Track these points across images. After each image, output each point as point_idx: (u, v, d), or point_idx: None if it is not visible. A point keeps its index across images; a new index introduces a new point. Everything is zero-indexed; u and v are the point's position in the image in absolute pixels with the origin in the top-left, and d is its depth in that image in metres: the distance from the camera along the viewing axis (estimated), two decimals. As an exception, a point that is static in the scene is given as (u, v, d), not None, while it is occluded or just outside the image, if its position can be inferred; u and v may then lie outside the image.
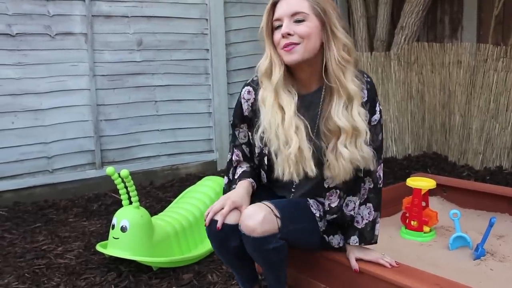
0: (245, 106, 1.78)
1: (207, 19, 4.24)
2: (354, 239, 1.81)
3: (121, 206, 2.39)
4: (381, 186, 1.82)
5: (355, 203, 1.80)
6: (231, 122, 1.90)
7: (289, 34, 1.58)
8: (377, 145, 1.76)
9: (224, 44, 4.31)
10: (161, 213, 2.74)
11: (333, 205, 1.79)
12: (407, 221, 2.51)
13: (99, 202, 3.50)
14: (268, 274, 1.80)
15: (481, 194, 2.80)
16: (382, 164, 1.81)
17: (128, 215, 2.30)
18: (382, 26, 4.67)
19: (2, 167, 3.45)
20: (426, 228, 2.46)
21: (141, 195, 3.53)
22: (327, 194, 1.79)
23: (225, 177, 1.89)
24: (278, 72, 1.62)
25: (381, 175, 1.81)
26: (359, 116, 1.62)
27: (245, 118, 1.80)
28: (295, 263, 1.97)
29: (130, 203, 2.35)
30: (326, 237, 1.83)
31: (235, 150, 1.86)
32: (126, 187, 2.32)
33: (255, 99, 1.74)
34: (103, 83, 3.80)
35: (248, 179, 1.80)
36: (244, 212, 1.64)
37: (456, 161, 4.35)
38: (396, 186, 3.04)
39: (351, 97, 1.61)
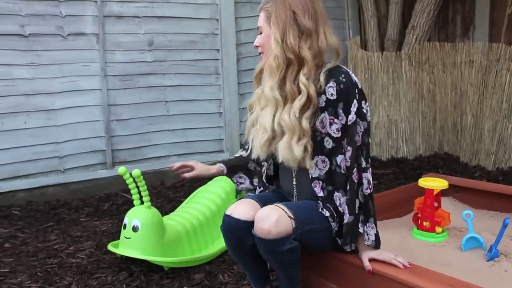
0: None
1: (217, 19, 4.25)
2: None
3: (132, 205, 2.39)
4: (368, 191, 1.78)
5: (340, 200, 1.80)
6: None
7: (256, 47, 1.84)
8: (354, 147, 1.75)
9: (235, 44, 4.31)
10: (172, 213, 2.75)
11: (319, 195, 1.81)
12: (419, 222, 2.49)
13: (110, 202, 3.52)
14: (281, 275, 1.80)
15: (494, 194, 2.77)
16: (370, 169, 1.79)
17: (140, 215, 2.30)
18: (393, 25, 4.65)
19: (15, 166, 3.48)
20: (438, 229, 2.44)
21: (152, 195, 3.54)
22: (312, 184, 1.81)
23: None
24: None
25: (370, 180, 1.79)
26: (288, 117, 1.69)
27: None
28: (307, 264, 1.96)
29: (142, 203, 2.35)
30: (339, 240, 1.83)
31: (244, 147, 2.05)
32: (137, 187, 2.33)
33: None
34: (114, 83, 3.82)
35: (220, 164, 2.04)
36: (257, 215, 1.65)
37: (468, 162, 4.32)
38: (407, 186, 3.02)
39: (284, 97, 1.72)
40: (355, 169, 1.77)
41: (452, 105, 4.57)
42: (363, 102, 1.77)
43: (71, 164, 3.70)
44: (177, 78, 4.11)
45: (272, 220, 1.62)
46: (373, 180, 3.81)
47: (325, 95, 1.73)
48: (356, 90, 1.76)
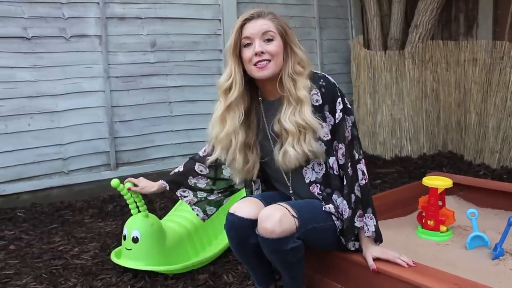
0: None
1: (220, 20, 4.25)
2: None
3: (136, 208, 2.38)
4: (364, 182, 1.83)
5: (336, 201, 1.83)
6: None
7: (262, 53, 1.73)
8: (346, 143, 1.80)
9: (237, 44, 4.30)
10: (172, 211, 2.74)
11: (320, 198, 1.84)
12: (423, 221, 2.48)
13: (114, 203, 3.52)
14: (285, 275, 1.80)
15: (498, 193, 2.76)
16: (363, 160, 1.85)
17: (139, 226, 2.27)
18: (396, 24, 4.64)
19: (19, 168, 3.49)
20: (443, 228, 2.43)
21: (156, 196, 3.55)
22: (310, 187, 1.84)
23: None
24: (237, 91, 1.78)
25: (365, 170, 1.84)
26: (310, 116, 1.72)
27: None
28: (311, 263, 1.96)
29: (139, 211, 2.33)
30: (342, 239, 1.83)
31: (208, 146, 2.14)
32: (133, 196, 2.27)
33: None
34: (117, 85, 3.83)
35: (163, 181, 2.17)
36: (261, 214, 1.66)
37: (472, 160, 4.31)
38: (411, 185, 3.02)
39: (302, 102, 1.73)
40: (349, 163, 1.79)
41: (456, 104, 4.56)
42: (344, 98, 1.83)
43: (75, 165, 3.70)
44: (180, 79, 4.11)
45: (276, 219, 1.63)
46: (377, 179, 3.85)
47: (311, 102, 1.77)
48: (337, 89, 1.82)
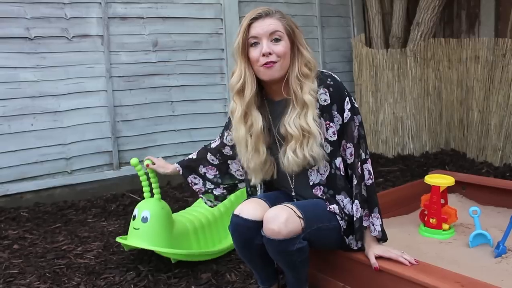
0: (230, 116, 1.92)
1: (221, 19, 4.25)
2: (353, 238, 1.84)
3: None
4: (370, 182, 1.83)
5: (343, 201, 1.82)
6: (226, 123, 2.12)
7: (269, 54, 1.70)
8: (354, 142, 1.80)
9: (239, 43, 4.31)
10: (182, 211, 2.76)
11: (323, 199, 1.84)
12: (425, 219, 2.49)
13: (117, 203, 3.53)
14: (289, 275, 1.81)
15: (501, 191, 2.76)
16: (369, 160, 1.85)
17: (150, 206, 2.31)
18: (397, 22, 4.63)
19: (22, 168, 3.50)
20: (445, 226, 2.43)
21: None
22: (313, 190, 1.84)
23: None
24: (250, 91, 1.76)
25: (371, 170, 1.84)
26: (313, 121, 1.72)
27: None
28: (314, 262, 1.97)
29: (152, 196, 2.37)
30: (346, 239, 1.83)
31: (217, 140, 2.16)
32: (149, 179, 2.33)
33: None
34: (119, 84, 3.84)
35: (177, 164, 2.21)
36: (266, 216, 1.66)
37: (475, 158, 4.30)
38: (414, 183, 3.02)
39: (307, 106, 1.73)
40: (359, 162, 1.79)
41: (458, 101, 4.55)
42: (352, 98, 1.83)
43: (78, 165, 3.72)
44: (182, 78, 4.12)
45: (282, 220, 1.63)
46: (380, 177, 3.85)
47: (318, 102, 1.76)
48: (344, 88, 1.82)
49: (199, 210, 2.69)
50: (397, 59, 4.59)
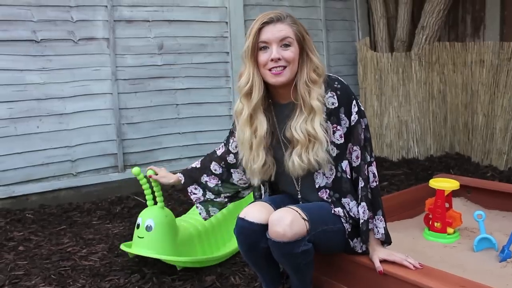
0: (235, 117, 1.94)
1: (227, 22, 4.27)
2: (358, 241, 1.84)
3: (144, 207, 2.41)
4: (375, 184, 1.85)
5: (348, 204, 1.83)
6: (231, 129, 2.11)
7: (278, 59, 1.71)
8: (361, 145, 1.82)
9: (244, 46, 4.32)
10: (185, 215, 2.76)
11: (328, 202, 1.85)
12: (430, 223, 2.48)
13: (122, 205, 3.54)
14: (294, 278, 1.81)
15: (506, 195, 2.75)
16: (374, 163, 1.87)
17: (153, 215, 2.31)
18: (402, 26, 4.63)
19: (28, 170, 3.52)
20: (449, 230, 2.43)
21: (163, 198, 3.56)
22: (319, 193, 1.85)
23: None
24: (257, 95, 1.77)
25: (376, 173, 1.87)
26: (320, 127, 1.74)
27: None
28: (318, 265, 1.97)
29: (155, 203, 2.37)
30: (351, 242, 1.84)
31: (222, 147, 2.15)
32: (151, 187, 2.33)
33: None
34: (125, 87, 3.86)
35: (180, 174, 2.18)
36: (271, 218, 1.66)
37: (480, 162, 4.29)
38: (418, 187, 3.02)
39: (314, 112, 1.74)
40: (366, 165, 1.80)
41: (463, 105, 4.55)
42: (358, 101, 1.84)
43: (83, 167, 3.73)
44: (187, 81, 4.13)
45: (287, 222, 1.63)
46: (384, 181, 3.85)
47: (326, 105, 1.77)
48: (351, 91, 1.83)
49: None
50: (402, 62, 4.59)
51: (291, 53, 1.72)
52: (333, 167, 1.82)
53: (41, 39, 3.51)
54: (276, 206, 1.78)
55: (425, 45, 4.52)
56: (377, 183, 1.85)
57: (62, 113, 3.62)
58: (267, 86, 1.82)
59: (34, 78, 3.51)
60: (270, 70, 1.73)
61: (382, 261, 1.79)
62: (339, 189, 1.83)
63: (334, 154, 1.80)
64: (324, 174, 1.82)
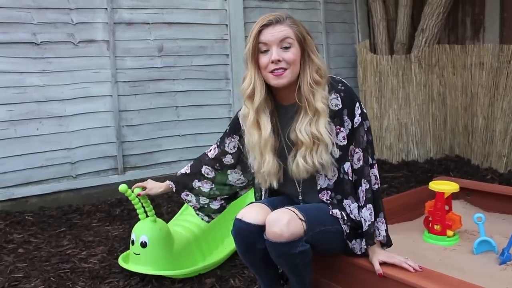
0: (242, 121, 1.93)
1: (227, 25, 4.27)
2: (357, 242, 1.84)
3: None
4: (376, 186, 1.86)
5: (349, 206, 1.83)
6: (226, 130, 2.10)
7: (278, 61, 1.70)
8: (363, 147, 1.82)
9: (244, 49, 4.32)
10: (177, 216, 2.76)
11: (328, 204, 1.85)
12: (430, 225, 2.48)
13: (121, 207, 3.54)
14: (293, 279, 1.81)
15: (506, 197, 2.76)
16: (376, 165, 1.87)
17: (147, 230, 2.27)
18: (402, 28, 4.64)
19: (28, 172, 3.52)
20: (449, 232, 2.43)
21: (163, 200, 3.57)
22: (319, 194, 1.85)
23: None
24: (259, 96, 1.76)
25: (377, 175, 1.87)
26: (324, 129, 1.73)
27: (238, 131, 2.00)
28: (317, 267, 1.97)
29: (147, 216, 2.33)
30: (349, 243, 1.83)
31: (215, 149, 2.12)
32: (140, 201, 2.27)
33: None
34: (125, 89, 3.86)
35: (170, 182, 2.17)
36: (268, 219, 1.67)
37: (480, 164, 4.29)
38: (418, 189, 3.02)
39: (318, 113, 1.73)
40: (368, 167, 1.80)
41: (462, 108, 4.55)
42: (361, 103, 1.85)
43: (82, 169, 3.73)
44: (187, 84, 4.14)
45: (283, 222, 1.63)
46: (384, 183, 3.85)
47: (330, 107, 1.78)
48: (354, 93, 1.84)
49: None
50: (402, 65, 4.59)
51: (291, 54, 1.72)
52: (336, 169, 1.81)
53: (41, 42, 3.52)
54: (274, 207, 1.78)
55: (425, 47, 4.52)
56: (379, 186, 1.86)
57: (62, 115, 3.62)
58: (270, 88, 1.82)
59: (34, 81, 3.51)
60: (271, 72, 1.72)
61: (382, 264, 1.79)
62: (341, 191, 1.83)
63: (337, 156, 1.79)
64: (326, 176, 1.82)
